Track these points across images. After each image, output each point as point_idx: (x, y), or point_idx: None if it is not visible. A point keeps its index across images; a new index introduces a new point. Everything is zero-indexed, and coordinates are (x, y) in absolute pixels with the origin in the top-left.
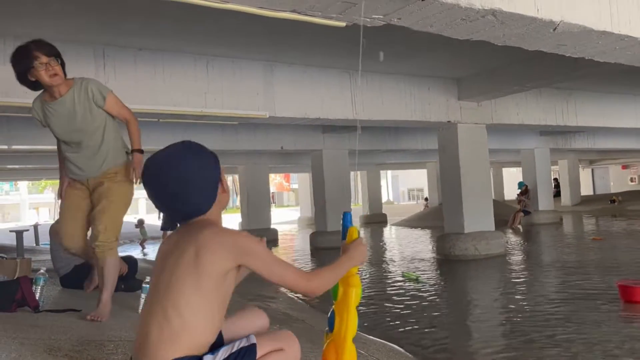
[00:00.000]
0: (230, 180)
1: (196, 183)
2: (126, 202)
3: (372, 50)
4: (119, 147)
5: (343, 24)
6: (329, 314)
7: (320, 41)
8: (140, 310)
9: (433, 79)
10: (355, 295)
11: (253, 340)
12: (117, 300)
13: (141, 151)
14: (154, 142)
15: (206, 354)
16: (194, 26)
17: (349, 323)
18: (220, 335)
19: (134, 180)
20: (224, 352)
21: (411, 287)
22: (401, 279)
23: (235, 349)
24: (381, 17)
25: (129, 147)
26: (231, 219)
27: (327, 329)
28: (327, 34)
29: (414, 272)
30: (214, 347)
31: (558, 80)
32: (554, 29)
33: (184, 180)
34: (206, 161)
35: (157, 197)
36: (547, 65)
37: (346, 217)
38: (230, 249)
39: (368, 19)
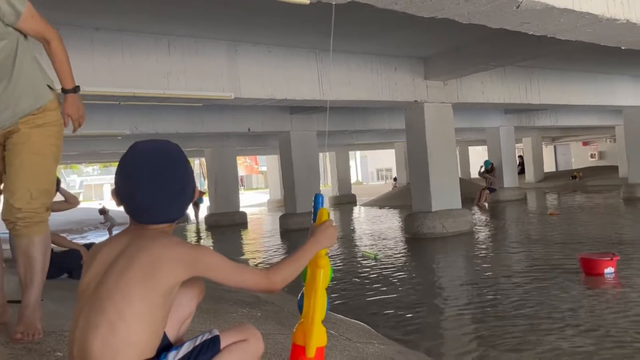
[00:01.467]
0: (197, 164)
1: (187, 191)
2: (56, 156)
3: (339, 29)
4: (39, 80)
5: (307, 1)
6: (299, 296)
7: (286, 20)
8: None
9: (400, 58)
10: (323, 276)
11: (215, 332)
12: (67, 286)
13: (76, 89)
14: (116, 126)
15: (170, 350)
16: (155, 5)
17: (317, 305)
18: (165, 336)
19: (70, 129)
20: (187, 346)
21: (380, 266)
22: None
23: (198, 342)
24: None
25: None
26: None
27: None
28: (292, 13)
29: (376, 252)
30: (162, 350)
31: (522, 59)
32: (517, 7)
33: (182, 184)
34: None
35: (139, 189)
36: (511, 44)
37: (317, 198)
38: (187, 262)
39: None
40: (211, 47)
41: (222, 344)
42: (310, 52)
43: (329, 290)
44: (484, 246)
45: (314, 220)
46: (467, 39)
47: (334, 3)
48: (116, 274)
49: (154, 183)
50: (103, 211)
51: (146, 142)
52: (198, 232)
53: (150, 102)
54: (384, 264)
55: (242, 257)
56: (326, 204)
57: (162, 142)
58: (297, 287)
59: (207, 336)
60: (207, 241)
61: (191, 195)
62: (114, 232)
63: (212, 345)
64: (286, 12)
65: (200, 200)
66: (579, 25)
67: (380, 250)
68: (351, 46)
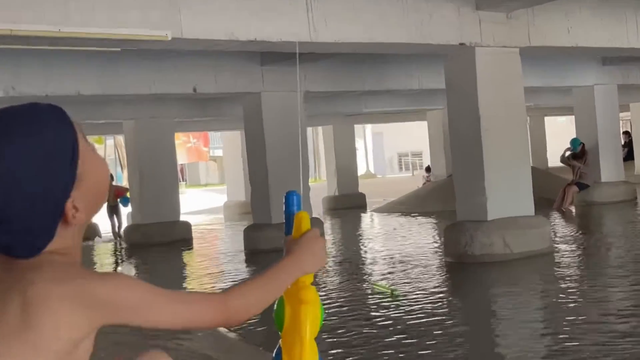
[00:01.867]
0: (111, 145)
1: (29, 191)
2: None
3: None
4: None
5: None
6: (275, 351)
7: None
8: None
9: None
10: (311, 317)
11: None
12: None
13: None
14: None
15: None
16: None
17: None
18: None
19: None
20: None
21: (403, 308)
22: (381, 294)
23: None
24: None
25: None
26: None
27: None
28: None
29: (393, 286)
30: None
31: None
32: None
33: (10, 182)
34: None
35: None
36: None
37: (290, 199)
38: (90, 303)
39: None
40: None
41: None
42: None
43: (321, 342)
44: (571, 276)
45: (289, 231)
46: None
47: None
48: None
49: None
50: None
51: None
52: (116, 254)
53: (38, 45)
54: (409, 305)
55: None
56: (310, 206)
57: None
58: (271, 336)
59: None
60: (126, 270)
61: (53, 190)
62: None
63: None
64: None
65: (124, 202)
66: None
67: (403, 283)
68: None
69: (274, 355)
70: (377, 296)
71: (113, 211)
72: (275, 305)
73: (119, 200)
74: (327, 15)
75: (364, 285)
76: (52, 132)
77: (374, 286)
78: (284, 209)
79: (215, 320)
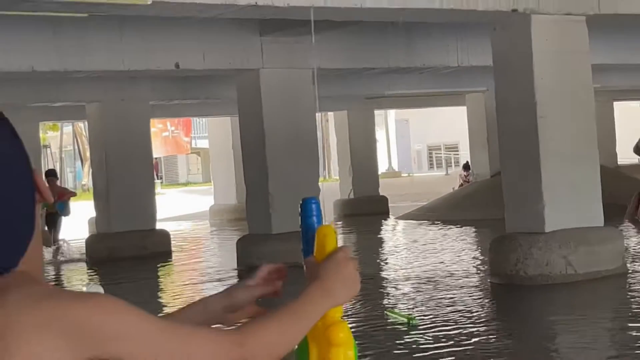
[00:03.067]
0: (70, 133)
1: None
2: None
3: None
4: None
5: None
6: None
7: None
8: None
9: None
10: None
11: None
12: None
13: None
14: None
15: None
16: None
17: None
18: None
19: None
20: None
21: (435, 340)
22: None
23: None
24: None
25: None
26: (79, 212)
27: None
28: None
29: (412, 314)
30: None
31: None
32: None
33: None
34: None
35: None
36: None
37: (308, 207)
38: (67, 332)
39: None
40: None
41: None
42: None
43: None
44: None
45: (310, 251)
46: None
47: None
48: None
49: None
50: None
51: None
52: (58, 275)
53: None
54: (445, 336)
55: None
56: (328, 217)
57: None
58: None
59: None
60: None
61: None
62: None
63: None
64: None
65: (61, 208)
66: None
67: (434, 308)
68: None
69: None
70: (397, 326)
71: (53, 219)
72: (297, 348)
73: (58, 204)
74: None
75: (381, 310)
76: (7, 141)
77: (390, 314)
78: (300, 221)
79: None
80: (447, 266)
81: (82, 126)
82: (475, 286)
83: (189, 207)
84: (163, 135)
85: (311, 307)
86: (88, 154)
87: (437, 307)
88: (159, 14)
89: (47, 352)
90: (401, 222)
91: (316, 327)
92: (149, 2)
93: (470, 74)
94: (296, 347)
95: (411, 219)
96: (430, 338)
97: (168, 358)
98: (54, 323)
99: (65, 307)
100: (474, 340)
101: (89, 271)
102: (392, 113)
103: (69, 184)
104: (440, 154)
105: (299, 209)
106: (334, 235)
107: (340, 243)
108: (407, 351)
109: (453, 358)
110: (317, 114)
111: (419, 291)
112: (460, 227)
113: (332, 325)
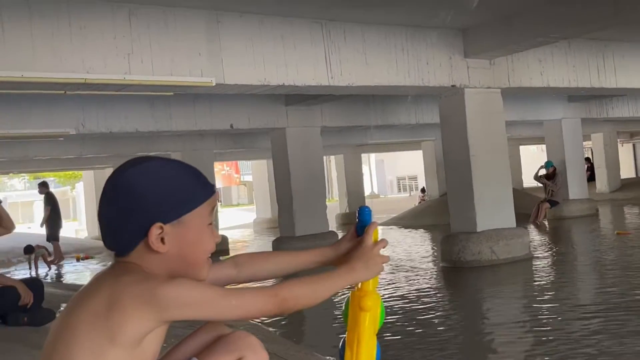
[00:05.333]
0: None
1: (128, 225)
2: None
3: None
4: None
5: None
6: (340, 343)
7: None
8: None
9: (432, 30)
10: (370, 321)
11: None
12: (20, 337)
13: None
14: (57, 123)
15: None
16: None
17: (362, 356)
18: None
19: None
20: None
21: (415, 307)
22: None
23: None
24: None
25: None
26: None
27: None
28: None
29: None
30: None
31: (595, 28)
32: None
33: (121, 215)
34: (158, 182)
35: (99, 209)
36: (582, 8)
37: (364, 212)
38: (150, 303)
39: None
40: (185, 17)
41: None
42: (314, 24)
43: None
44: (546, 277)
45: (360, 233)
46: (521, 3)
47: None
48: (74, 318)
49: (100, 206)
50: (29, 251)
51: (127, 161)
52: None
53: (106, 90)
54: (415, 302)
55: None
56: (330, 222)
57: (132, 161)
58: (313, 335)
59: None
60: None
61: (137, 229)
62: (42, 267)
63: None
64: None
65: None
66: None
67: (408, 284)
68: (368, 15)
69: (339, 347)
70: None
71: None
72: (344, 305)
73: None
74: (342, 64)
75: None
76: (194, 181)
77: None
78: (357, 221)
79: (267, 307)
80: (410, 255)
81: None
82: (431, 269)
83: (239, 220)
84: (222, 172)
85: (337, 277)
86: None
87: (401, 284)
88: (219, 92)
89: (134, 316)
90: (380, 228)
91: (355, 294)
92: (213, 84)
93: (424, 128)
94: (344, 305)
95: (388, 225)
96: (391, 302)
97: (228, 309)
98: (144, 296)
99: (156, 286)
100: (426, 306)
101: None
102: (372, 155)
103: None
104: (405, 182)
105: (357, 212)
106: (377, 231)
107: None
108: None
109: (407, 314)
110: (323, 157)
111: (389, 273)
112: (419, 230)
113: (365, 294)
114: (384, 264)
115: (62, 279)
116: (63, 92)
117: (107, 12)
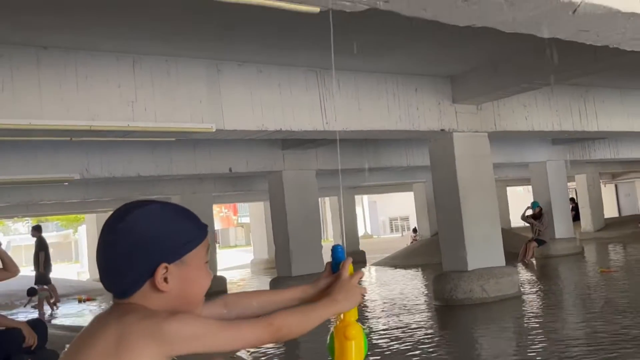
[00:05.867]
0: None
1: (127, 270)
2: None
3: (345, 43)
4: None
5: (317, 9)
6: None
7: (280, 32)
8: None
9: (421, 77)
10: (356, 349)
11: None
12: None
13: None
14: (62, 168)
15: None
16: (117, 17)
17: None
18: None
19: None
20: None
21: (409, 343)
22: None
23: None
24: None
25: None
26: None
27: None
28: (287, 24)
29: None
30: None
31: (576, 75)
32: (574, 12)
33: (119, 260)
34: (160, 224)
35: (97, 251)
36: (563, 56)
37: (338, 250)
38: (157, 338)
39: (348, 3)
40: (187, 66)
41: None
42: (310, 72)
43: None
44: (535, 313)
45: (335, 270)
46: (506, 52)
47: (348, 11)
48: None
49: (99, 250)
50: (32, 293)
51: (124, 206)
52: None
53: (110, 137)
54: (409, 339)
55: None
56: (318, 261)
57: (130, 205)
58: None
59: None
60: None
61: (143, 271)
62: (47, 308)
63: None
64: (280, 22)
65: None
66: None
67: (402, 320)
68: (360, 63)
69: None
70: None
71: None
72: (328, 339)
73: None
74: (337, 111)
75: (372, 325)
76: (191, 222)
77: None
78: (332, 258)
79: (263, 336)
80: (404, 294)
81: None
82: (424, 307)
83: (237, 260)
84: (220, 214)
85: (322, 308)
86: None
87: (395, 320)
88: (219, 137)
89: (143, 353)
90: (374, 268)
91: (338, 326)
92: (213, 130)
93: (415, 171)
94: (328, 339)
95: (380, 265)
96: (386, 339)
97: (228, 341)
98: (151, 333)
99: (161, 322)
100: (419, 342)
101: None
102: (366, 197)
103: None
104: (398, 222)
105: (331, 251)
106: (351, 266)
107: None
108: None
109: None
110: (319, 199)
111: (383, 310)
112: (412, 269)
113: (348, 325)
114: (362, 295)
115: (65, 321)
116: (69, 138)
117: (112, 61)
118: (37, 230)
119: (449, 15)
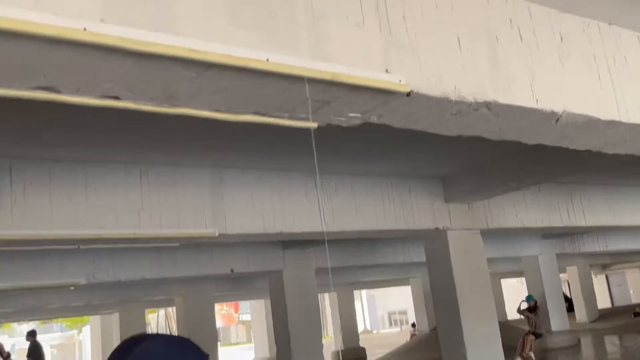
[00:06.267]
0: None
1: None
2: None
3: (341, 149)
4: None
5: (315, 125)
6: None
7: (279, 141)
8: None
9: (414, 178)
10: None
11: None
12: None
13: None
14: (69, 274)
15: None
16: (124, 133)
17: None
18: None
19: None
20: None
21: None
22: None
23: None
24: (359, 115)
25: None
26: None
27: None
28: (286, 133)
29: None
30: None
31: (561, 175)
32: (556, 121)
33: None
34: None
35: None
36: (548, 159)
37: None
38: None
39: (343, 118)
40: (191, 175)
41: None
42: (308, 177)
43: None
44: None
45: None
46: (494, 155)
47: (345, 125)
48: None
49: None
50: None
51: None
52: None
53: (117, 244)
54: None
55: None
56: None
57: (130, 343)
58: None
59: None
60: None
61: None
62: None
63: None
64: (279, 131)
65: None
66: (629, 138)
67: None
68: (356, 167)
69: None
70: None
71: None
72: None
73: None
74: (335, 213)
75: None
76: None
77: None
78: None
79: None
80: None
81: (171, 310)
82: None
83: (239, 358)
84: (221, 312)
85: None
86: (175, 328)
87: None
88: (220, 241)
89: None
90: None
91: None
92: (216, 235)
93: (411, 267)
94: None
95: None
96: None
97: None
98: None
99: None
100: None
101: None
102: (364, 292)
103: None
104: (396, 316)
105: None
106: None
107: None
108: None
109: None
110: (318, 295)
111: None
112: None
113: None
114: None
115: None
116: (77, 246)
117: (120, 172)
118: (31, 335)
119: (439, 126)
